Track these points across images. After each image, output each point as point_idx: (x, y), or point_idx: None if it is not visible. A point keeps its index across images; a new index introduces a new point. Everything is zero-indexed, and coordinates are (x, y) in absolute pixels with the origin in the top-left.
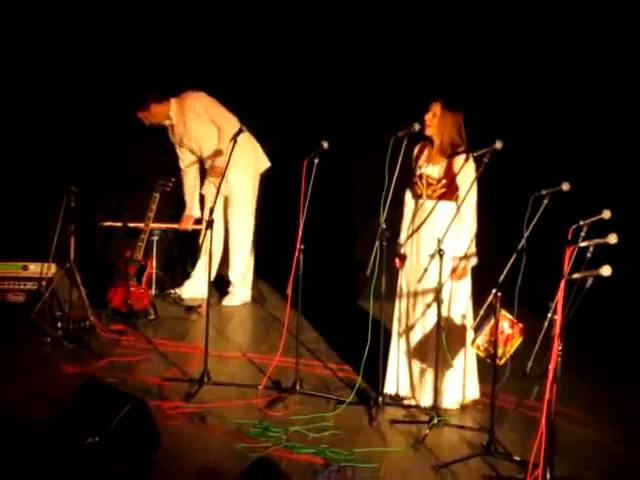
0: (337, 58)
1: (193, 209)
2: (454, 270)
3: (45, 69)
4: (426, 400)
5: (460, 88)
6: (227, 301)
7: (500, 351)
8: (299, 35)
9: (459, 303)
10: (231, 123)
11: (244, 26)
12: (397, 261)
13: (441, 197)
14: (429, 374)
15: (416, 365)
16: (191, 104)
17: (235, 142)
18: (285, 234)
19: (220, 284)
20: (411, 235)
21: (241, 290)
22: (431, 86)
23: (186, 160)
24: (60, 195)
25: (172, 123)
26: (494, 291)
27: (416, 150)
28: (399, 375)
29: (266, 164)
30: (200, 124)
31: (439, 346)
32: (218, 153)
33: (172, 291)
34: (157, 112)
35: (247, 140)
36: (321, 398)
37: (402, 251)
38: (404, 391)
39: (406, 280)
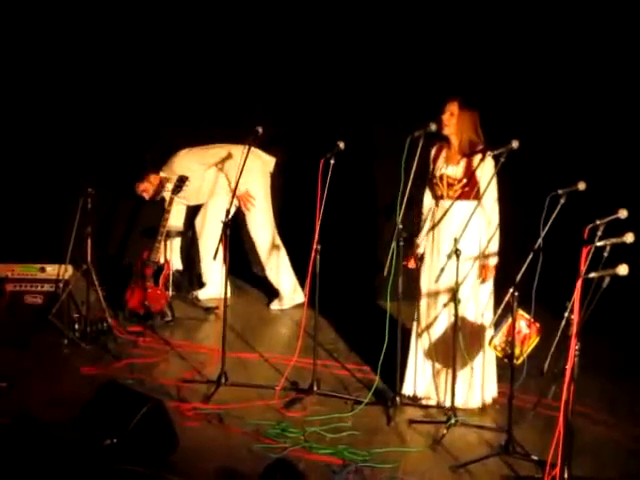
0: (356, 59)
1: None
2: (484, 268)
3: (63, 74)
4: (447, 400)
5: (476, 87)
6: (276, 305)
7: (517, 351)
8: (318, 36)
9: (478, 303)
10: (226, 155)
11: (265, 27)
12: (411, 261)
13: (462, 197)
14: (448, 374)
15: (436, 365)
16: (181, 166)
17: (250, 146)
18: (306, 235)
19: (254, 284)
20: (432, 236)
21: (289, 292)
22: (448, 85)
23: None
24: (77, 197)
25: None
26: (511, 291)
27: (433, 151)
28: (417, 376)
29: (272, 162)
30: (200, 175)
31: (456, 346)
32: (229, 180)
33: (192, 293)
34: (156, 184)
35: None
36: (339, 399)
37: (418, 251)
38: (422, 392)
39: (427, 280)
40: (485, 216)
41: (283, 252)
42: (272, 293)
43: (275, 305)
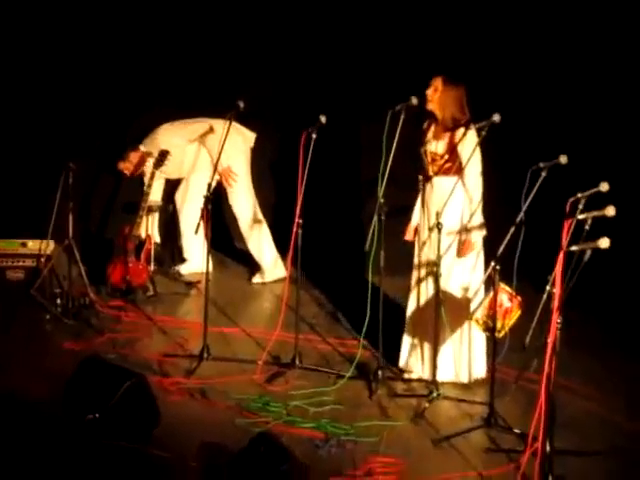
0: (339, 32)
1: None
2: (463, 244)
3: (43, 49)
4: (429, 374)
5: (459, 61)
6: (257, 278)
7: (499, 324)
8: (301, 9)
9: (460, 276)
10: (207, 131)
11: (245, 1)
12: (407, 234)
13: (443, 172)
14: (428, 347)
15: (418, 338)
16: (165, 141)
17: (231, 120)
18: (289, 209)
19: (237, 259)
20: (424, 210)
21: (271, 266)
22: (435, 60)
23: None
24: (58, 172)
25: (154, 169)
26: (493, 264)
27: (424, 127)
28: (409, 349)
29: (253, 137)
30: (183, 151)
31: (437, 319)
32: (211, 157)
33: (173, 268)
34: (137, 160)
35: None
36: (321, 373)
37: (412, 224)
38: (409, 365)
39: (417, 254)
40: (469, 191)
41: (265, 226)
42: (254, 267)
43: (257, 279)
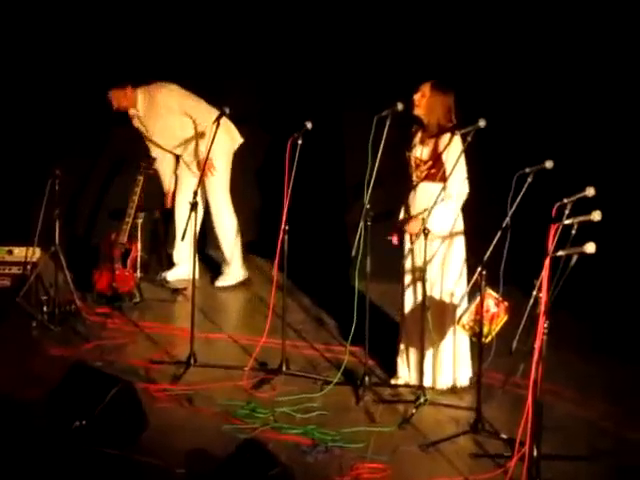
0: (326, 38)
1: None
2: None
3: (28, 53)
4: (415, 379)
5: (446, 66)
6: (222, 281)
7: (486, 329)
8: (288, 14)
9: (447, 282)
10: (206, 115)
11: (235, 8)
12: (394, 238)
13: (428, 178)
14: (414, 353)
15: (405, 344)
16: (163, 99)
17: (218, 125)
18: (274, 215)
19: (210, 265)
20: (407, 217)
21: (236, 268)
22: (421, 65)
23: (158, 149)
24: (44, 178)
25: (139, 114)
26: (479, 269)
27: (411, 132)
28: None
29: (239, 140)
30: (174, 118)
31: (423, 325)
32: (197, 146)
33: (160, 275)
34: (130, 96)
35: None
36: (308, 379)
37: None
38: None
39: (404, 260)
40: (453, 197)
41: (238, 230)
42: (217, 270)
43: (221, 282)
